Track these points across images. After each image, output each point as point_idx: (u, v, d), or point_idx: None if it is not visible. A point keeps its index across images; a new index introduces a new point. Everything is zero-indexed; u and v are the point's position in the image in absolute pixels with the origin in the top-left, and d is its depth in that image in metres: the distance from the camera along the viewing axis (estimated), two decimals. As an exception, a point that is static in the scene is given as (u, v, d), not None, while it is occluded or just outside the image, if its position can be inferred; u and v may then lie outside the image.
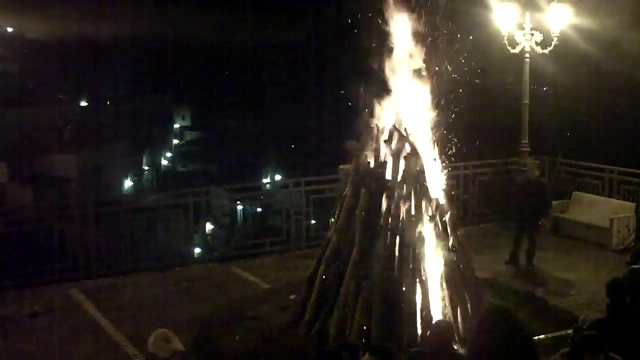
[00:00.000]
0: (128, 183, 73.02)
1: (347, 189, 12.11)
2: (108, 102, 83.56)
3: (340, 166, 14.02)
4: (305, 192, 17.33)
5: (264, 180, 56.22)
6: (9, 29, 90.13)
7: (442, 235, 11.74)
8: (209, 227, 19.58)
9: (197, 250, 19.18)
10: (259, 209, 48.98)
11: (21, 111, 73.25)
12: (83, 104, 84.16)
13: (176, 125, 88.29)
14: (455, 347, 10.39)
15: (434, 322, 9.86)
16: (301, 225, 17.22)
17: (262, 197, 23.62)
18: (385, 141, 11.91)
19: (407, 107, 12.17)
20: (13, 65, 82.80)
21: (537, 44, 17.58)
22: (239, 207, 49.69)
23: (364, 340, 10.67)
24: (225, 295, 14.13)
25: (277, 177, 62.10)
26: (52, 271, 15.40)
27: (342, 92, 13.20)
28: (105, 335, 12.62)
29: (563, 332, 11.05)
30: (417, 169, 11.67)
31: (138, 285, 15.04)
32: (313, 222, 17.57)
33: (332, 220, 12.74)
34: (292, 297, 12.94)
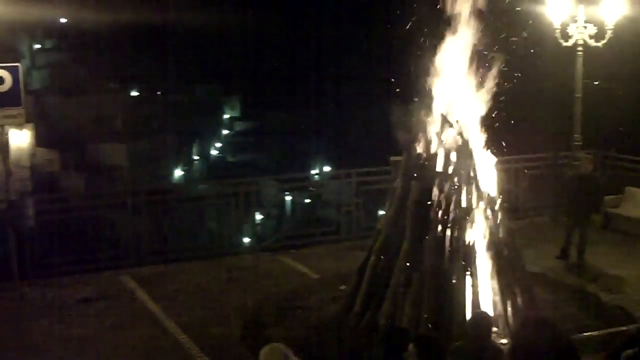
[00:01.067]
0: (178, 173, 73.52)
1: (397, 180, 12.11)
2: (159, 92, 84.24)
3: (392, 158, 14.02)
4: (355, 183, 17.35)
5: (313, 171, 56.31)
6: (63, 20, 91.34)
7: (492, 228, 11.69)
8: (258, 217, 19.61)
9: (247, 239, 19.27)
10: (307, 200, 49.06)
11: (73, 100, 74.14)
12: (134, 93, 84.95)
13: (226, 116, 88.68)
14: (500, 341, 10.40)
15: (471, 314, 9.86)
16: (351, 216, 17.25)
17: (311, 187, 23.60)
18: (436, 133, 11.90)
19: (459, 99, 12.13)
20: (66, 56, 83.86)
21: (590, 37, 17.37)
22: (288, 198, 49.84)
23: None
24: (274, 285, 14.20)
25: (326, 168, 62.14)
26: (104, 258, 15.63)
27: (393, 82, 13.14)
28: (157, 322, 12.77)
29: (615, 330, 10.96)
30: (468, 161, 11.63)
31: (189, 273, 15.18)
32: (364, 213, 17.56)
33: (382, 211, 12.74)
34: (342, 287, 12.98)
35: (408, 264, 11.32)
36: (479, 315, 8.82)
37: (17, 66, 14.28)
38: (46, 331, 12.42)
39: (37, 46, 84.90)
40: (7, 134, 14.88)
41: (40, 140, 69.84)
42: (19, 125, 16.74)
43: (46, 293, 14.12)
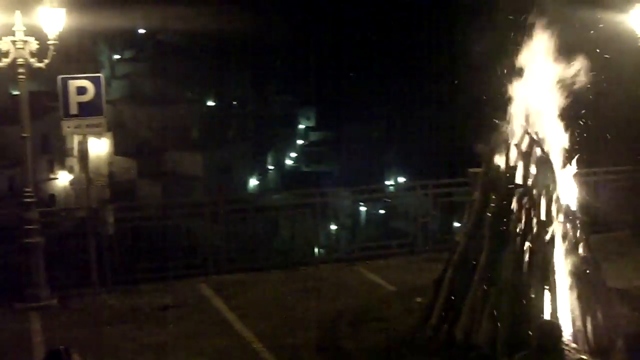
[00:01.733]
0: (253, 182, 74.17)
1: (476, 192, 11.99)
2: (235, 102, 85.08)
3: (470, 170, 13.92)
4: (432, 195, 17.25)
5: (388, 182, 56.17)
6: (141, 31, 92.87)
7: (572, 241, 11.51)
8: (332, 227, 19.67)
9: (322, 250, 19.32)
10: (381, 211, 48.97)
11: (151, 110, 75.31)
12: (210, 103, 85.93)
13: (301, 126, 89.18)
14: (581, 356, 10.21)
15: (539, 323, 9.66)
16: (427, 228, 17.16)
17: (386, 199, 23.55)
18: (515, 145, 11.76)
19: (538, 110, 11.99)
20: (144, 66, 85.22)
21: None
22: (362, 209, 49.91)
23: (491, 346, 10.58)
24: (350, 296, 14.18)
25: (400, 179, 62.02)
26: (182, 266, 15.81)
27: (470, 94, 13.05)
28: (233, 330, 12.85)
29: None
30: (548, 173, 11.47)
31: (265, 282, 15.27)
32: (439, 225, 17.47)
33: (458, 224, 12.63)
34: (418, 300, 12.90)
35: (486, 277, 11.19)
36: (546, 324, 8.65)
37: (99, 76, 14.56)
38: (124, 337, 12.59)
39: (117, 57, 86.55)
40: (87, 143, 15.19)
41: (118, 148, 71.33)
42: (99, 134, 17.05)
43: (125, 300, 14.36)
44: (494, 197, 11.55)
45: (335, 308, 13.43)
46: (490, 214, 11.50)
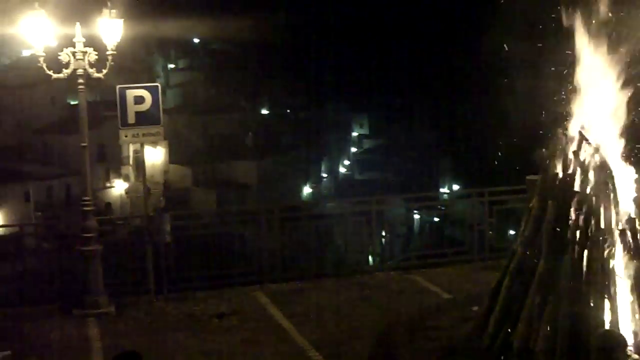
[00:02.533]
0: (307, 190, 74.39)
1: (534, 200, 11.88)
2: (288, 110, 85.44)
3: (528, 177, 13.81)
4: (488, 202, 17.13)
5: (442, 190, 55.93)
6: (195, 40, 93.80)
7: (632, 249, 11.34)
8: (387, 235, 19.64)
9: (376, 258, 19.30)
10: (435, 219, 48.82)
11: (205, 118, 75.99)
12: (264, 112, 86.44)
13: (354, 134, 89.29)
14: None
15: (599, 332, 9.53)
16: (483, 236, 17.05)
17: (441, 206, 23.47)
18: (574, 152, 11.63)
19: (597, 117, 11.85)
20: (198, 75, 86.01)
21: None
22: (416, 216, 49.76)
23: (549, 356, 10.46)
24: (405, 304, 14.13)
25: (455, 187, 61.73)
26: (237, 274, 15.91)
27: (527, 99, 12.93)
28: (288, 338, 12.88)
29: None
30: (607, 180, 11.33)
31: (320, 290, 15.29)
32: (495, 233, 17.35)
33: (513, 231, 12.52)
34: (474, 308, 12.80)
35: (544, 285, 11.08)
36: (607, 334, 8.52)
37: (156, 86, 14.75)
38: (181, 345, 12.70)
39: (171, 66, 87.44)
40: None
41: (172, 157, 71.96)
42: (155, 143, 17.23)
43: (181, 307, 14.48)
44: (551, 204, 11.43)
45: (390, 316, 13.40)
46: (548, 222, 11.39)
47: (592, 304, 10.83)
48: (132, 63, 66.53)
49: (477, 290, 13.60)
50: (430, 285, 15.50)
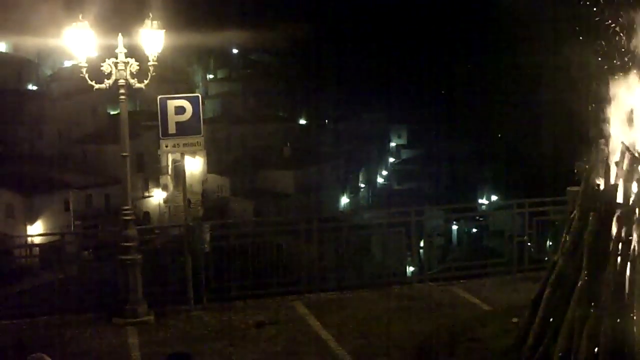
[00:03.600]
0: (344, 200, 74.46)
1: (575, 212, 11.78)
2: (326, 120, 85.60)
3: (568, 188, 13.70)
4: (528, 214, 17.01)
5: (481, 201, 55.64)
6: (234, 51, 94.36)
7: (675, 262, 11.20)
8: (424, 245, 19.54)
9: (414, 269, 19.26)
10: (474, 230, 48.60)
11: (243, 129, 76.40)
12: (302, 122, 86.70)
13: (392, 144, 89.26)
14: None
15: None
16: (523, 247, 16.93)
17: (480, 217, 23.35)
18: (616, 163, 11.53)
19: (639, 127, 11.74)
20: (237, 85, 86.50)
21: None
22: (454, 227, 49.56)
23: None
24: (445, 315, 14.07)
25: (493, 197, 61.43)
26: (276, 284, 15.94)
27: (568, 111, 12.84)
28: (327, 349, 12.86)
29: None
30: (650, 192, 11.21)
31: (358, 301, 15.26)
32: (534, 244, 17.23)
33: (553, 242, 12.42)
34: (515, 320, 12.72)
35: (585, 298, 10.97)
36: None
37: (197, 96, 14.86)
38: (220, 354, 12.72)
39: (210, 76, 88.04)
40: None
41: (211, 166, 72.36)
42: (193, 153, 17.32)
43: (220, 317, 14.50)
44: (593, 216, 11.32)
45: (430, 328, 13.34)
46: (589, 234, 11.28)
47: (634, 318, 10.72)
48: (171, 73, 67.08)
49: (517, 302, 13.52)
50: (469, 296, 15.42)
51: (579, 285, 11.16)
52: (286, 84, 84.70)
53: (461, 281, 16.43)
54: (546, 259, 15.62)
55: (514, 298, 14.39)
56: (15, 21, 69.49)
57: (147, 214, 66.00)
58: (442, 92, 78.87)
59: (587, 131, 12.01)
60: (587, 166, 11.75)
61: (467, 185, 69.28)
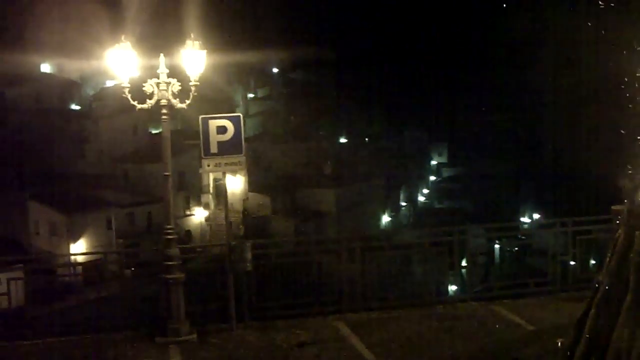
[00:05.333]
0: (385, 218, 74.32)
1: (620, 230, 11.63)
2: (367, 139, 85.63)
3: (613, 206, 13.54)
4: (571, 232, 16.84)
5: (523, 219, 55.22)
6: (274, 70, 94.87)
7: None
8: (467, 265, 19.42)
9: (456, 287, 19.16)
10: (515, 248, 48.22)
11: (284, 147, 76.67)
12: (342, 140, 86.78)
13: (433, 162, 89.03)
14: None
15: None
16: (566, 266, 16.76)
17: (522, 236, 23.14)
18: (662, 180, 11.38)
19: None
20: (277, 104, 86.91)
21: None
22: (496, 246, 49.22)
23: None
24: (488, 335, 13.95)
25: (535, 216, 60.95)
26: (318, 303, 15.90)
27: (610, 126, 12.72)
28: (371, 369, 12.81)
29: None
30: (697, 211, 11.04)
31: (401, 320, 15.17)
32: (578, 263, 17.04)
33: (596, 261, 12.27)
34: (559, 340, 12.55)
35: (632, 318, 10.81)
36: None
37: (239, 116, 14.91)
38: (263, 374, 12.71)
39: (251, 95, 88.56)
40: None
41: (252, 185, 72.60)
42: (234, 172, 17.33)
43: (262, 336, 14.50)
44: (639, 235, 11.17)
45: (472, 348, 13.24)
46: (635, 253, 11.13)
47: (683, 339, 10.54)
48: (212, 92, 67.51)
49: (561, 321, 13.35)
50: (512, 316, 15.26)
51: (625, 305, 11.01)
52: (326, 102, 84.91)
53: (504, 300, 16.28)
54: (591, 278, 15.45)
55: (557, 318, 14.23)
56: (59, 43, 70.57)
57: (188, 232, 66.34)
58: (483, 109, 78.56)
59: (633, 148, 11.88)
60: (632, 184, 11.62)
61: (509, 204, 68.86)
